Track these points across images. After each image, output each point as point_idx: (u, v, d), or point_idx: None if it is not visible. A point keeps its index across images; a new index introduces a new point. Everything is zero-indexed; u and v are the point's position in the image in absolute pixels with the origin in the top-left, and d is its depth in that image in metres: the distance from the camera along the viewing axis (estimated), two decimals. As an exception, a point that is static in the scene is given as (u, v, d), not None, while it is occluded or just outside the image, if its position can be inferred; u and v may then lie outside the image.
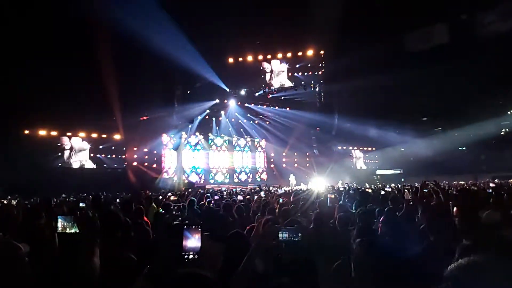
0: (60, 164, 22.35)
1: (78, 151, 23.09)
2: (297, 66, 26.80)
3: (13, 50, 16.43)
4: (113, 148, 24.65)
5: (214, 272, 2.38)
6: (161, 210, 6.16)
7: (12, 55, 16.43)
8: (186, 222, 1.96)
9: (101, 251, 2.39)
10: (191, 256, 1.81)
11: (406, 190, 9.39)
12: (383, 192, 10.83)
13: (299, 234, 2.17)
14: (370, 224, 4.49)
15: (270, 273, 2.22)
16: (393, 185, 20.83)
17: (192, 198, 7.95)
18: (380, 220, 4.85)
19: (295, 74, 26.91)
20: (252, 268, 2.19)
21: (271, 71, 26.78)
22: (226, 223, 4.78)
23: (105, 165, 24.27)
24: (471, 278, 1.33)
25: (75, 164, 22.99)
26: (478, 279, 1.32)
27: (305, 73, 27.00)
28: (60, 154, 22.37)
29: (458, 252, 2.44)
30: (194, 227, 1.87)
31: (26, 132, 20.81)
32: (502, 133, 34.59)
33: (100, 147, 24.12)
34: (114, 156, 24.73)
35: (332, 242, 3.54)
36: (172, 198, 9.45)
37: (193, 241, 1.83)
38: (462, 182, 22.88)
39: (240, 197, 11.16)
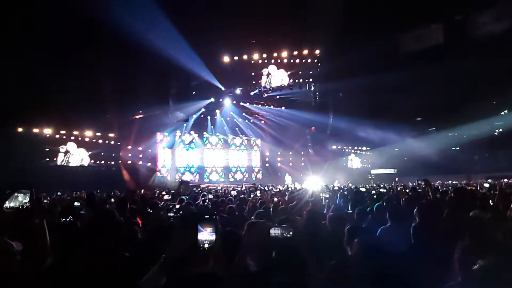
0: (54, 162, 22.16)
1: (73, 149, 22.90)
2: (292, 65, 26.78)
3: (8, 47, 16.26)
4: (107, 146, 24.52)
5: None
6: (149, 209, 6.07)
7: (7, 52, 16.26)
8: (200, 212, 1.99)
9: (96, 249, 2.38)
10: (206, 245, 1.83)
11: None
12: (373, 192, 10.92)
13: (291, 231, 2.18)
14: (362, 223, 4.53)
15: (262, 270, 2.23)
16: (386, 184, 20.96)
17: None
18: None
19: (290, 73, 26.89)
20: (245, 266, 2.20)
21: (268, 75, 26.72)
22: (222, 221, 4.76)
23: (99, 163, 24.13)
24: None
25: (70, 162, 22.80)
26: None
27: (300, 73, 27.01)
28: (54, 151, 22.16)
29: (458, 252, 2.44)
30: (208, 217, 1.90)
31: (20, 129, 20.62)
32: (496, 133, 34.83)
33: (94, 144, 23.98)
34: (108, 153, 24.60)
35: (322, 240, 3.55)
36: (166, 197, 9.38)
37: (208, 231, 1.85)
38: (455, 182, 23.05)
39: (234, 193, 11.15)
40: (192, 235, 1.84)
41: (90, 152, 23.57)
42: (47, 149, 21.84)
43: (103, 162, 24.38)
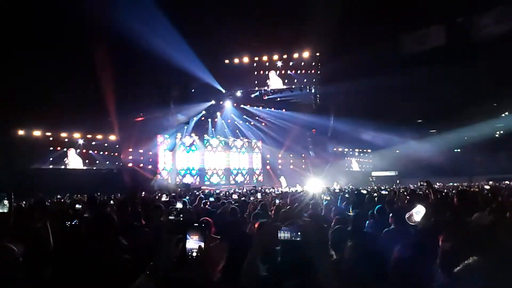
0: (55, 165, 22.13)
1: (73, 152, 22.89)
2: (293, 67, 26.82)
3: (7, 49, 16.28)
4: (108, 149, 24.50)
5: (218, 271, 2.38)
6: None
7: (7, 55, 16.28)
8: (189, 220, 1.97)
9: (95, 251, 2.37)
10: (194, 254, 1.82)
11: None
12: (375, 194, 10.89)
13: (299, 233, 2.13)
14: (362, 227, 4.51)
15: (271, 274, 2.19)
16: (387, 186, 20.94)
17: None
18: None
19: (290, 74, 26.95)
20: (255, 270, 2.16)
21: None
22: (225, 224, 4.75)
23: (100, 165, 24.11)
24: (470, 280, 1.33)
25: (70, 165, 22.78)
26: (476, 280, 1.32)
27: (301, 75, 27.03)
28: (53, 154, 22.14)
29: (439, 254, 2.44)
30: (197, 225, 1.89)
31: (21, 132, 20.63)
32: (497, 135, 34.85)
33: (95, 146, 23.97)
34: (109, 156, 24.59)
35: (326, 242, 3.53)
36: (163, 199, 9.36)
37: (194, 239, 1.85)
38: (456, 184, 23.02)
39: (235, 196, 11.13)
40: (179, 244, 1.83)
41: (90, 155, 23.57)
42: (47, 152, 21.82)
43: (104, 163, 24.37)
